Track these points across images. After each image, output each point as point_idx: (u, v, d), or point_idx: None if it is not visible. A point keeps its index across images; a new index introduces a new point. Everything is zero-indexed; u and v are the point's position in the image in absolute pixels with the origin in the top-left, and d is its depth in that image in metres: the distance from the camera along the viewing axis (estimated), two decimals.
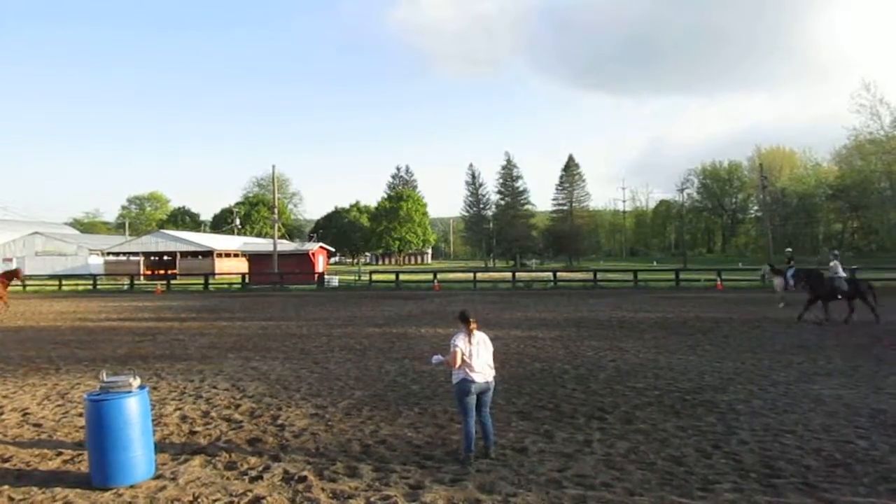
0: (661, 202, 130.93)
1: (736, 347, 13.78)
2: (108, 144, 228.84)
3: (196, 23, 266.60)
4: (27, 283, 46.96)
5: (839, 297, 18.05)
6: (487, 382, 6.49)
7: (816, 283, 18.40)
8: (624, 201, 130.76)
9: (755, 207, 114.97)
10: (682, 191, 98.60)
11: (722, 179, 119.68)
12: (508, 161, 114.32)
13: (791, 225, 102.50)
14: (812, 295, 18.34)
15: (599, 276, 42.27)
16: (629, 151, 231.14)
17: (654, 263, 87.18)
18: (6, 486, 6.00)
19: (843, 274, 18.49)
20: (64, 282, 47.45)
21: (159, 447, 6.86)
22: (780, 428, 7.52)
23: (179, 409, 8.99)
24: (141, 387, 6.22)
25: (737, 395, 9.28)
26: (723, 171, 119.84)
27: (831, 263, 18.61)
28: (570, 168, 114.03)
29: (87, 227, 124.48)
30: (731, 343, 14.44)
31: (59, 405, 9.33)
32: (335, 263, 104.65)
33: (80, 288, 45.81)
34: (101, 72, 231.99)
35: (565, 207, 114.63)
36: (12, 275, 26.42)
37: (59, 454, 6.93)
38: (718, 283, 35.93)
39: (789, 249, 26.36)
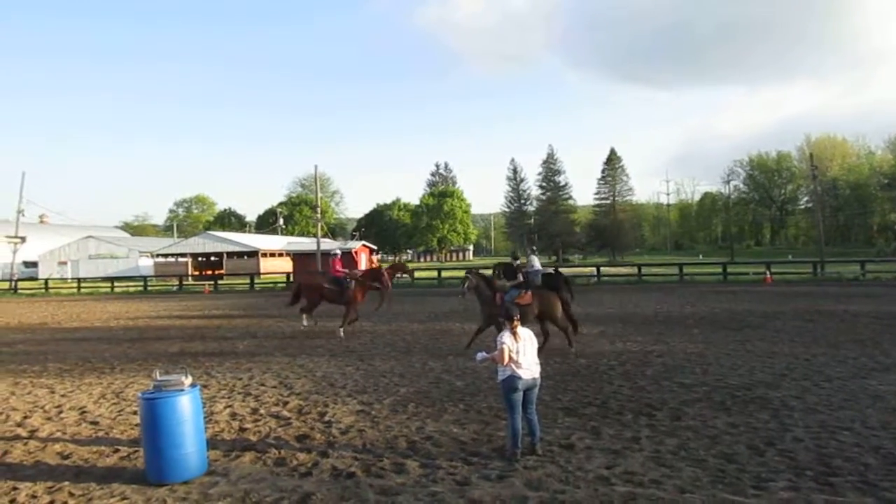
0: (706, 194, 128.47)
1: (788, 342, 13.44)
2: (155, 149, 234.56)
3: (236, 25, 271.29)
4: (82, 285, 48.59)
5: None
6: (534, 379, 6.46)
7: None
8: (668, 194, 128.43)
9: (805, 198, 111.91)
10: (727, 182, 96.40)
11: (770, 170, 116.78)
12: (550, 155, 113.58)
13: (843, 216, 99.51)
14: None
15: (644, 270, 41.62)
16: (670, 144, 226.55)
17: (700, 257, 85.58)
18: (66, 483, 6.21)
19: (538, 268, 18.76)
20: (116, 283, 48.84)
21: (211, 444, 7.02)
22: (836, 425, 7.31)
23: (229, 406, 9.17)
24: (192, 385, 6.36)
25: (790, 391, 9.05)
26: (770, 162, 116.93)
27: (530, 258, 19.42)
28: (612, 161, 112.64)
29: (137, 230, 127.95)
30: (782, 338, 14.09)
31: (114, 403, 9.61)
32: (377, 261, 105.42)
33: (132, 289, 47.12)
34: (144, 77, 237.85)
35: (608, 201, 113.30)
36: (399, 268, 23.02)
37: (116, 451, 7.14)
38: (767, 276, 35.07)
39: (534, 247, 26.88)
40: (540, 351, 12.66)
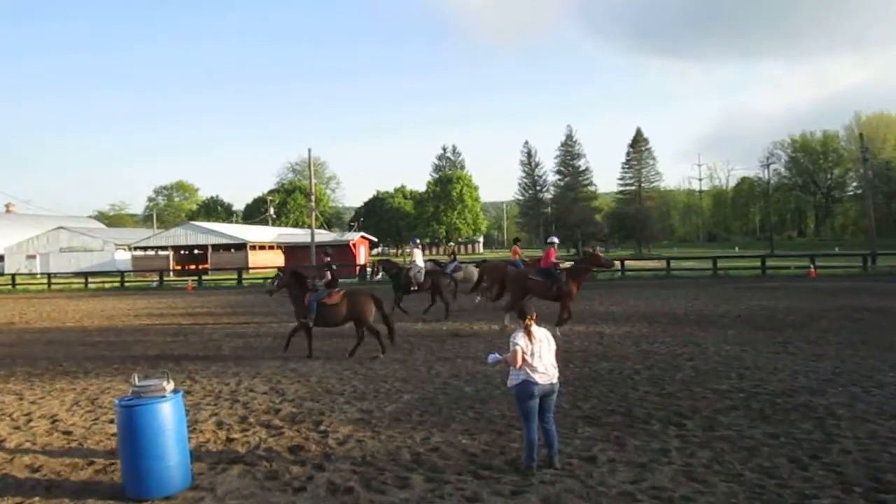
0: (743, 180, 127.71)
1: (835, 344, 13.39)
2: (133, 132, 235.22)
3: (225, 4, 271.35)
4: (53, 281, 48.85)
5: (414, 288, 19.60)
6: (551, 384, 6.45)
7: (394, 273, 20.02)
8: (700, 179, 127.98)
9: (854, 183, 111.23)
10: (766, 166, 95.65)
11: (814, 152, 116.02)
12: (569, 136, 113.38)
13: None
14: (394, 285, 19.99)
15: (673, 264, 41.49)
16: (702, 124, 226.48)
17: (736, 249, 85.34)
18: (37, 498, 6.25)
19: (421, 265, 20.07)
20: (90, 279, 49.00)
21: (195, 455, 7.05)
22: (888, 436, 7.28)
23: (215, 414, 9.21)
24: (175, 391, 6.39)
25: (837, 398, 9.02)
26: (815, 143, 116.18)
27: (415, 251, 20.43)
28: (638, 143, 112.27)
29: (112, 220, 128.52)
30: (828, 339, 14.03)
31: (88, 411, 9.67)
32: (378, 254, 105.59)
33: (108, 285, 47.30)
34: (123, 55, 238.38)
35: (633, 187, 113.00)
36: (593, 262, 16.61)
37: (91, 463, 7.18)
38: (812, 270, 34.92)
39: (452, 244, 28.06)
40: (351, 355, 13.34)
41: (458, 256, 28.77)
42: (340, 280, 15.26)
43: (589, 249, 19.99)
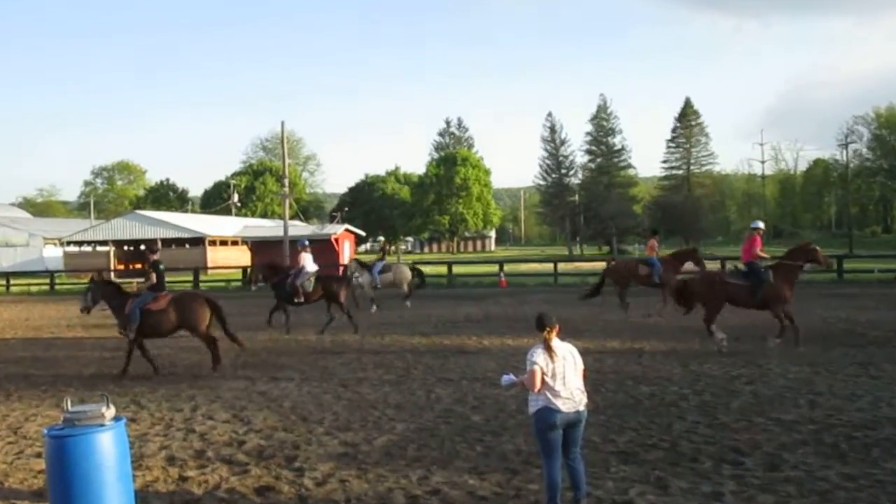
0: (816, 162, 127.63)
1: None
2: (66, 98, 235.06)
3: None
4: None
5: (299, 300, 20.16)
6: (577, 412, 6.43)
7: (276, 282, 20.64)
8: (763, 162, 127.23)
9: None
10: (844, 146, 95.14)
11: None
12: (602, 107, 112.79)
13: None
14: (277, 295, 20.54)
15: (729, 266, 41.33)
16: (765, 94, 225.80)
17: None
18: None
19: (310, 270, 20.43)
20: (12, 281, 49.05)
21: (141, 497, 7.05)
22: None
23: (166, 447, 9.22)
24: (116, 418, 6.38)
25: None
26: None
27: (303, 254, 20.83)
28: (687, 117, 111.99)
29: (40, 208, 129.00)
30: None
31: (10, 442, 9.68)
32: (366, 252, 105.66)
33: (34, 289, 47.39)
34: (57, 9, 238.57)
35: (681, 171, 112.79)
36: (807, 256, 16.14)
37: None
38: None
39: (381, 238, 28.61)
40: (214, 368, 13.92)
41: (388, 255, 29.33)
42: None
43: (804, 242, 18.69)
